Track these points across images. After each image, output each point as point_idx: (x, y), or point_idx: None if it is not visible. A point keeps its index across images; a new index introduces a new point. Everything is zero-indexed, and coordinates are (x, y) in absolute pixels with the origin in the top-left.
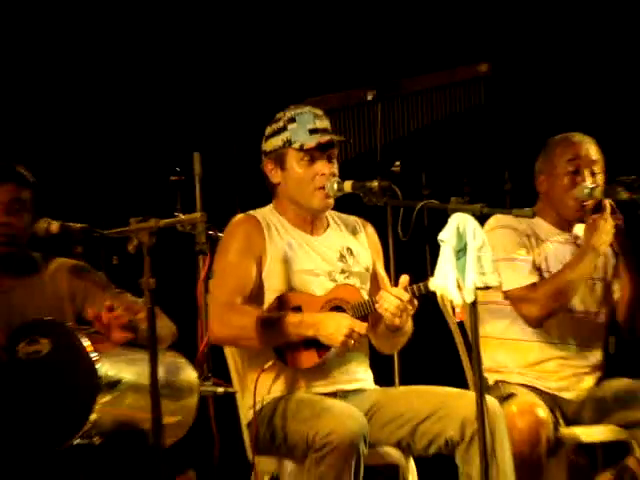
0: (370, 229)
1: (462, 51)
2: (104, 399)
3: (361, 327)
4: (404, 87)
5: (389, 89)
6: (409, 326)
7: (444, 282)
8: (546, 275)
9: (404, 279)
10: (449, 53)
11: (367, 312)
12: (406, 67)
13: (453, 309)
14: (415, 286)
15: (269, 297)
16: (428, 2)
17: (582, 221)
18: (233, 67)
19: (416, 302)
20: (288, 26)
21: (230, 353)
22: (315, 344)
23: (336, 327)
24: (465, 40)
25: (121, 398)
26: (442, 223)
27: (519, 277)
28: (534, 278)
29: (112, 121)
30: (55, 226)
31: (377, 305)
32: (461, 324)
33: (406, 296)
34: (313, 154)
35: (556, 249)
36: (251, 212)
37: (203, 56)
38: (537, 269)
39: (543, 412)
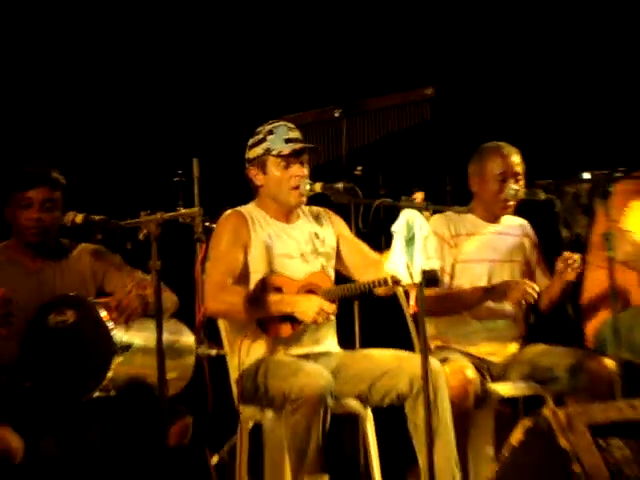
0: (333, 215)
1: (413, 76)
2: (118, 360)
3: (329, 307)
4: (365, 106)
5: (352, 108)
6: None
7: (396, 266)
8: (471, 261)
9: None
10: (402, 78)
11: (335, 297)
12: (367, 89)
13: (407, 299)
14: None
15: (254, 278)
16: (386, 36)
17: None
18: (225, 90)
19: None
20: (269, 54)
21: (222, 322)
22: (290, 319)
23: (309, 306)
24: (415, 67)
25: (132, 359)
26: (394, 217)
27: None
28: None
29: (127, 131)
30: (80, 218)
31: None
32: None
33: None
34: (288, 159)
35: (489, 238)
36: (238, 208)
37: (201, 81)
38: (459, 261)
39: (471, 373)
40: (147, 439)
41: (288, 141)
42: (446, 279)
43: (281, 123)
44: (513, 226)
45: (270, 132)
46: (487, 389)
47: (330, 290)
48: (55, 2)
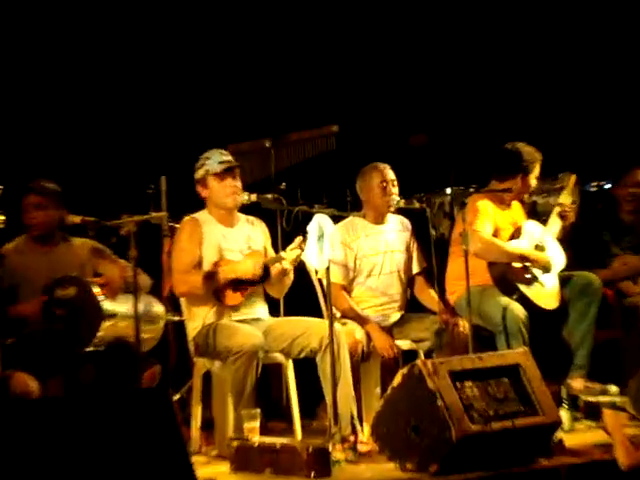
0: (262, 224)
1: (323, 116)
2: (106, 324)
3: (260, 264)
4: (288, 138)
5: (278, 139)
6: (291, 276)
7: (310, 256)
8: (368, 256)
9: (299, 238)
10: (316, 117)
11: (273, 263)
12: (289, 126)
13: (315, 271)
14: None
15: (205, 266)
16: (304, 85)
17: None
18: (184, 126)
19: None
20: (216, 100)
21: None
22: (239, 288)
23: (246, 266)
24: (325, 110)
25: (117, 323)
26: (309, 220)
27: (334, 276)
28: (342, 281)
29: (113, 155)
30: (78, 219)
31: (288, 252)
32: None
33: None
34: (222, 176)
35: (379, 236)
36: (193, 215)
37: (166, 121)
38: (354, 259)
39: (359, 334)
40: (126, 382)
41: (221, 162)
42: (350, 274)
43: (215, 150)
44: (396, 223)
45: (207, 158)
46: (372, 347)
47: (269, 259)
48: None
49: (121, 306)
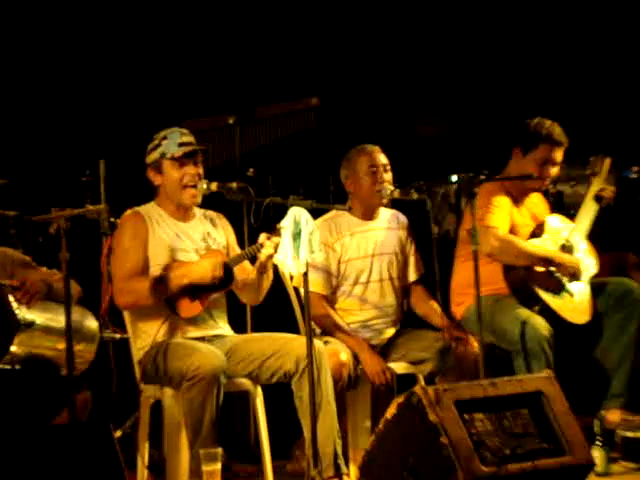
0: (223, 219)
1: (300, 88)
2: (21, 335)
3: (221, 263)
4: (256, 114)
5: (245, 115)
6: (271, 274)
7: (284, 258)
8: (354, 259)
9: (263, 235)
10: (291, 89)
11: (236, 263)
12: (258, 99)
13: (291, 278)
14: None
15: (153, 270)
16: (276, 50)
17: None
18: (130, 97)
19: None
20: (170, 67)
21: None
22: (197, 297)
23: (202, 268)
24: (303, 80)
25: (34, 336)
26: (283, 214)
27: (313, 284)
28: (323, 290)
29: (38, 134)
30: None
31: (263, 249)
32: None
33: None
34: (182, 161)
35: (368, 235)
36: (136, 208)
37: (107, 89)
38: (338, 261)
39: (345, 356)
40: (48, 411)
41: (181, 145)
42: (333, 282)
43: (174, 129)
44: (389, 219)
45: (164, 138)
46: (360, 370)
47: (231, 258)
48: None
49: (40, 315)
